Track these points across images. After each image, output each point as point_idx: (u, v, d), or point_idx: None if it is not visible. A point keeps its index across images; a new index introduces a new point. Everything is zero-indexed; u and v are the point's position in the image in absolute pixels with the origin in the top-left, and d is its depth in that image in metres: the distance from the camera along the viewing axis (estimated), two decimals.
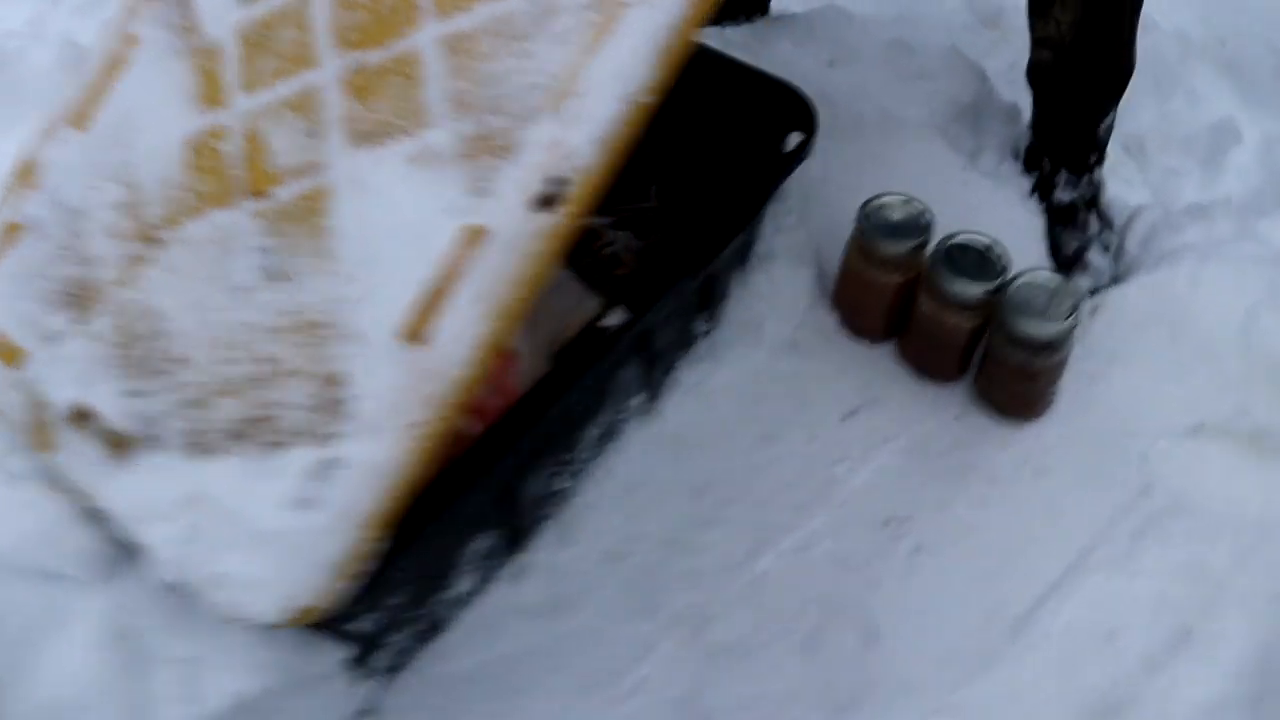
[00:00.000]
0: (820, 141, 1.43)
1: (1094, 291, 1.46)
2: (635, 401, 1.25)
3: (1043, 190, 1.53)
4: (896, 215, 1.32)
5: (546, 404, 1.02)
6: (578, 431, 1.15)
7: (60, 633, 1.04)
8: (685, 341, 1.30)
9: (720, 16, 1.64)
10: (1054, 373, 1.32)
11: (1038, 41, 1.43)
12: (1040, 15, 1.40)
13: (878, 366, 1.39)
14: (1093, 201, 1.52)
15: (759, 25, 1.67)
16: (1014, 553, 1.28)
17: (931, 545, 1.28)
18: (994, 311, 1.29)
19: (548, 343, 1.14)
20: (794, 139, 1.21)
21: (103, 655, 1.04)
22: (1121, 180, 1.60)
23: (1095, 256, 1.49)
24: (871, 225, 1.31)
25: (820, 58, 1.62)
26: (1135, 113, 1.63)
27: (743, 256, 1.33)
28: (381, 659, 1.11)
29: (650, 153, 1.36)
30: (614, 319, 1.07)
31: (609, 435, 1.24)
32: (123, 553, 1.06)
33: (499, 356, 0.91)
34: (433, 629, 1.16)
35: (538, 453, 1.09)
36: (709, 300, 1.28)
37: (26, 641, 1.04)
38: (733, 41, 1.59)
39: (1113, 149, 1.56)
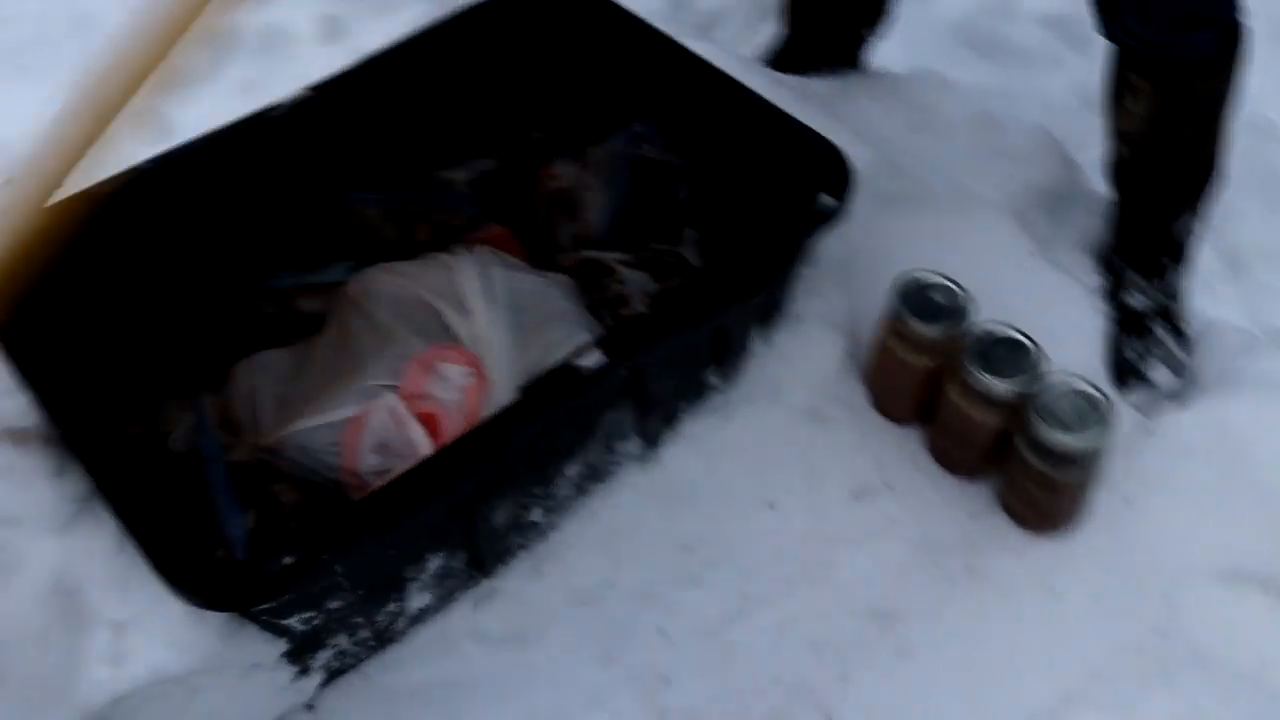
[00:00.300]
0: (879, 208, 1.40)
1: (1147, 410, 1.37)
2: (628, 446, 1.22)
3: (1112, 291, 1.45)
4: (934, 295, 1.26)
5: (506, 432, 0.99)
6: (551, 466, 1.12)
7: (8, 576, 1.06)
8: (693, 392, 1.26)
9: (807, 66, 1.61)
10: (1079, 488, 1.24)
11: (1114, 134, 1.36)
12: (1115, 105, 1.33)
13: (898, 449, 1.33)
14: (1165, 311, 1.43)
15: (848, 80, 1.63)
16: (1007, 672, 1.21)
17: (919, 648, 1.22)
18: (1023, 412, 1.22)
19: (525, 371, 1.12)
20: (825, 201, 1.16)
21: (44, 603, 1.05)
22: (1210, 293, 1.51)
23: (1157, 371, 1.40)
24: (905, 302, 1.25)
25: (903, 121, 1.58)
26: (1237, 222, 1.55)
27: (766, 315, 1.29)
28: (322, 658, 1.10)
29: (688, 197, 1.37)
30: (590, 359, 1.03)
31: (594, 476, 1.21)
32: (83, 509, 1.08)
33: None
34: (381, 638, 1.14)
35: (501, 480, 1.06)
36: (722, 354, 1.24)
37: None
38: (814, 94, 1.55)
39: (1207, 257, 1.48)
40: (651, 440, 1.25)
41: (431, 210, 1.32)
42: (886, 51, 1.67)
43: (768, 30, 1.72)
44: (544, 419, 1.01)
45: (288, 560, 0.91)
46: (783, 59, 1.65)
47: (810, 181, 1.21)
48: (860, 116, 1.53)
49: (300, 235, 1.33)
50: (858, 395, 1.36)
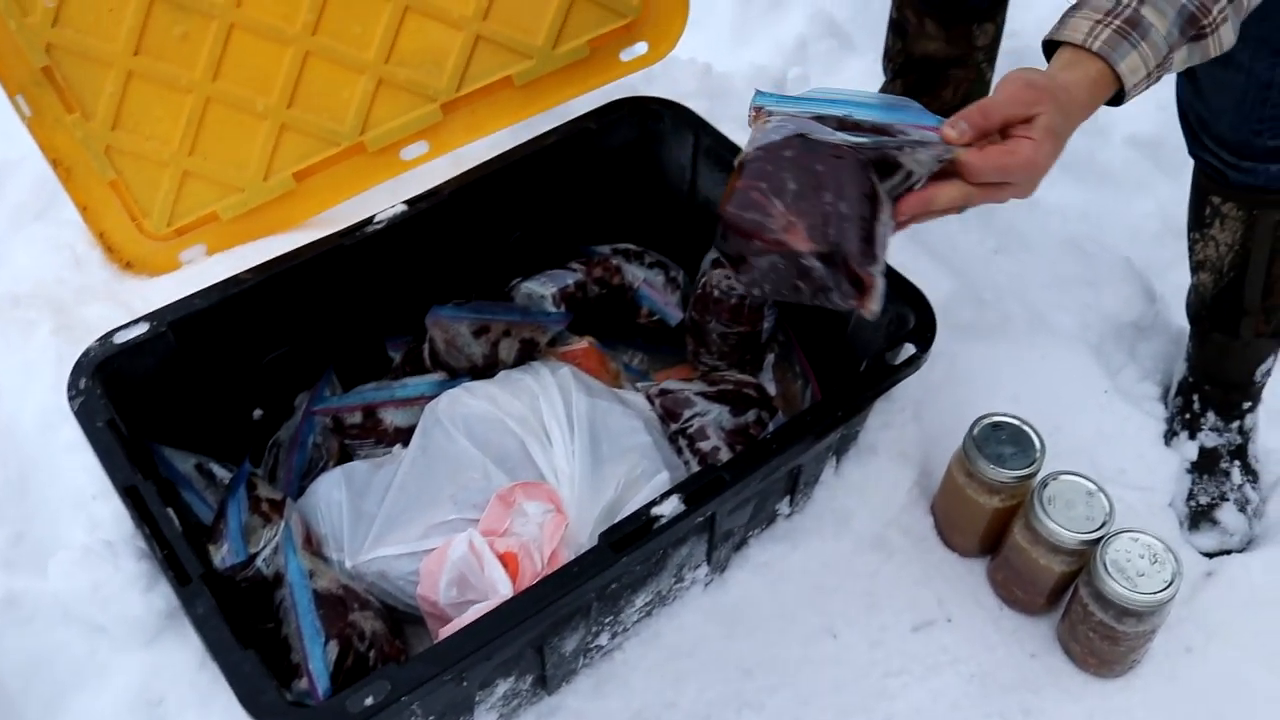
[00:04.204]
0: (957, 340, 1.42)
1: (1216, 554, 1.39)
2: (697, 574, 1.26)
3: (1188, 429, 1.46)
4: (1007, 439, 1.29)
5: (584, 579, 1.03)
6: (622, 599, 1.17)
7: (94, 685, 1.13)
8: (762, 520, 1.30)
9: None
10: (1140, 639, 1.26)
11: (1196, 264, 1.36)
12: (1198, 231, 1.32)
13: (963, 583, 1.36)
14: (1239, 451, 1.44)
15: None
16: None
17: None
18: (1089, 560, 1.25)
19: (603, 506, 1.17)
20: (906, 351, 1.19)
21: (128, 713, 1.12)
22: None
23: (1229, 514, 1.41)
24: (978, 446, 1.28)
25: (987, 243, 1.59)
26: None
27: (840, 447, 1.32)
28: None
29: (772, 326, 1.40)
30: (668, 507, 1.07)
31: (661, 601, 1.25)
32: (170, 623, 1.14)
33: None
34: None
35: (574, 616, 1.11)
36: (794, 485, 1.28)
37: (63, 686, 1.13)
38: None
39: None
40: (719, 567, 1.29)
41: (517, 325, 1.36)
42: None
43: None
44: (620, 566, 1.05)
45: (369, 701, 0.96)
46: None
47: (892, 326, 1.25)
48: (944, 236, 1.55)
49: (385, 346, 1.39)
50: (924, 525, 1.38)
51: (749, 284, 1.05)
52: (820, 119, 1.04)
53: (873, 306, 1.01)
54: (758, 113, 1.07)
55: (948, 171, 1.02)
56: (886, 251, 1.02)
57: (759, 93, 1.09)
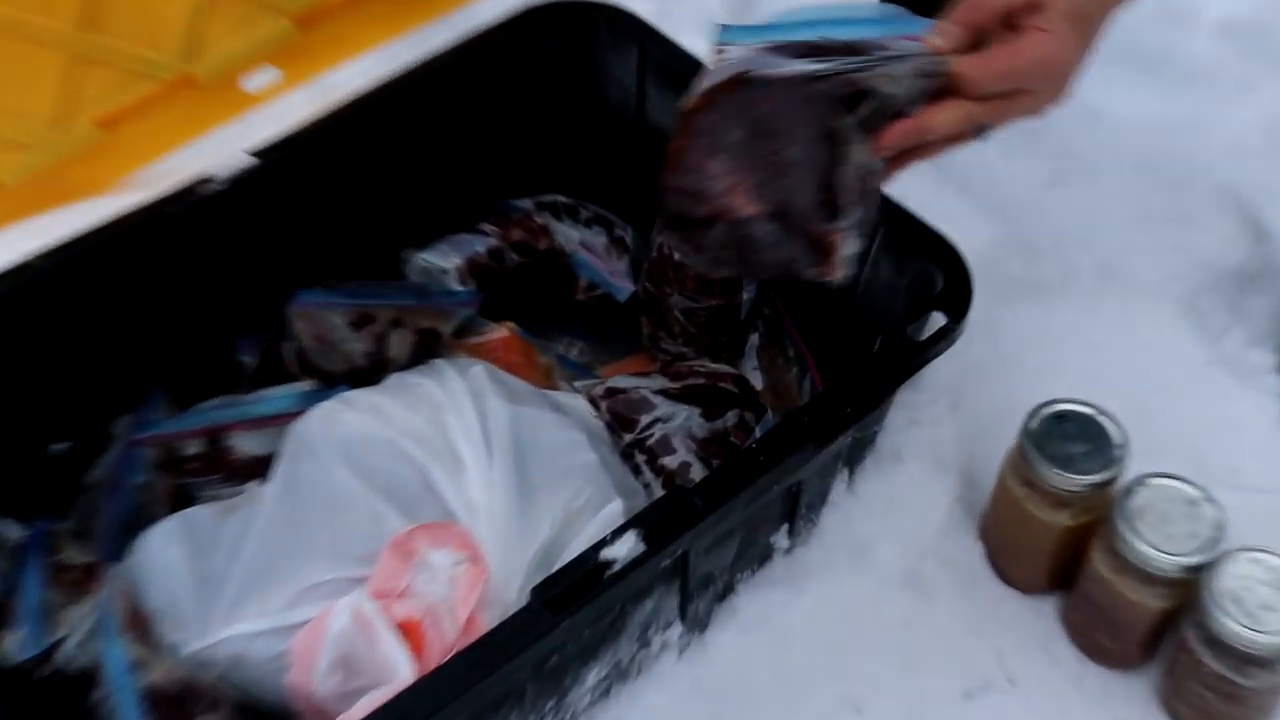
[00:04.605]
0: (1004, 302, 1.41)
1: None
2: (668, 635, 1.25)
3: None
4: (1076, 435, 1.27)
5: (514, 652, 1.01)
6: (568, 676, 1.15)
7: None
8: (753, 559, 1.29)
9: None
10: (1271, 695, 1.25)
11: None
12: None
13: (1028, 629, 1.35)
14: None
15: None
16: None
17: None
18: (1195, 593, 1.23)
19: (535, 551, 1.16)
20: (935, 322, 1.18)
21: None
22: None
23: None
24: (1039, 443, 1.26)
25: (1038, 173, 1.59)
26: None
27: (853, 455, 1.31)
28: None
29: (753, 295, 1.39)
30: (622, 547, 1.04)
31: (621, 675, 1.24)
32: None
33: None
34: None
35: (502, 703, 1.09)
36: (794, 508, 1.26)
37: None
38: None
39: None
40: (698, 625, 1.28)
41: (410, 311, 1.35)
42: None
43: None
44: (562, 630, 1.03)
45: None
46: None
47: (914, 289, 1.23)
48: (982, 168, 1.54)
49: (233, 348, 1.37)
50: (972, 556, 1.37)
51: (709, 265, 1.12)
52: (779, 49, 1.07)
53: (837, 273, 1.06)
54: (720, 54, 1.11)
55: (949, 89, 1.04)
56: (864, 200, 1.06)
57: (724, 29, 1.12)
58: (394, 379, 1.33)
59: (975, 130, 1.06)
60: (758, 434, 1.33)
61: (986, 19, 1.02)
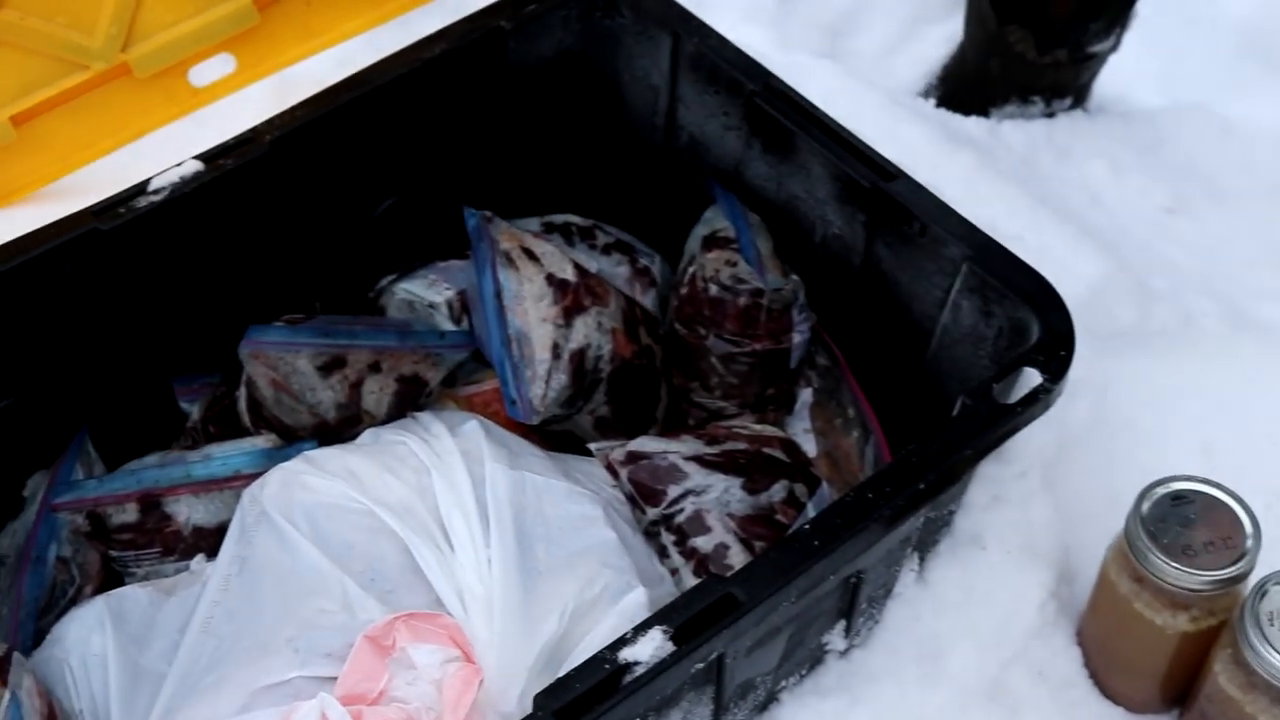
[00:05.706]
0: (1112, 353, 1.42)
1: None
2: None
3: None
4: (1197, 518, 1.28)
5: None
6: None
7: None
8: (803, 663, 1.30)
9: (997, 98, 1.64)
10: None
11: None
12: None
13: None
14: None
15: (1071, 121, 1.66)
16: None
17: None
18: None
19: (540, 651, 1.16)
20: (1028, 381, 1.19)
21: None
22: None
23: None
24: (1152, 529, 1.28)
25: (1154, 196, 1.61)
26: None
27: (925, 540, 1.32)
28: None
29: (806, 338, 1.40)
30: (646, 647, 1.06)
31: None
32: None
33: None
34: None
35: None
36: (853, 603, 1.27)
37: None
38: (1014, 147, 1.59)
39: None
40: None
41: (391, 353, 1.36)
42: (1129, 73, 1.70)
43: (934, 39, 1.75)
44: None
45: None
46: (958, 88, 1.68)
47: (1003, 340, 1.25)
48: (1090, 187, 1.56)
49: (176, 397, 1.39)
50: (1069, 662, 1.39)
51: None
52: None
53: None
54: None
55: None
56: None
57: None
58: (369, 435, 1.34)
59: None
60: (810, 511, 1.33)
61: None
